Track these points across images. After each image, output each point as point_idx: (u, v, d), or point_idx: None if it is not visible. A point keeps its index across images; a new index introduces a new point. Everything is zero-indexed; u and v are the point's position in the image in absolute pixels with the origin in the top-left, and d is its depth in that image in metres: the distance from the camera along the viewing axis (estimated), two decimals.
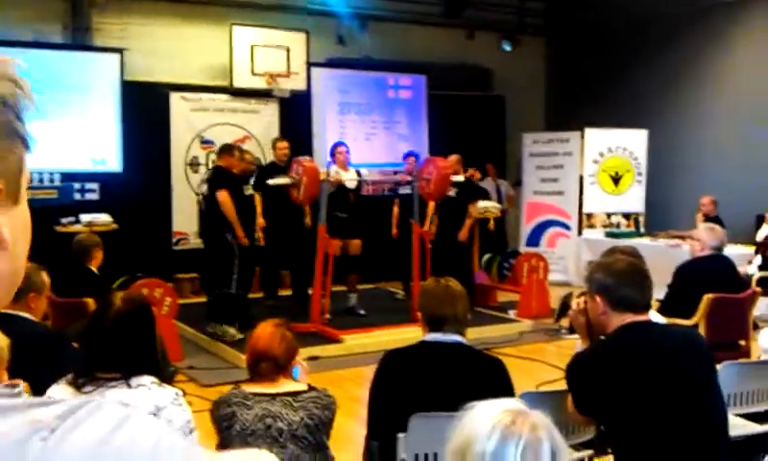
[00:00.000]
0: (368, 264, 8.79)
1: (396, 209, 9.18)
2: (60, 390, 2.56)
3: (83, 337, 2.81)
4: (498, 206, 10.12)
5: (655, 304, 3.87)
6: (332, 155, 8.33)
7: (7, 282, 0.76)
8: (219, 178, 7.39)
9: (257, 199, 8.45)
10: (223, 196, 7.20)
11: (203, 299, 8.41)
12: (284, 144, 8.81)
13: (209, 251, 7.58)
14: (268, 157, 10.45)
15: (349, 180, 8.13)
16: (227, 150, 7.78)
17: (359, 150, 11.48)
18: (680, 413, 2.67)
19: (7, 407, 0.66)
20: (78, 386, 2.53)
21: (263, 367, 2.98)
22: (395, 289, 9.76)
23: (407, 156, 9.41)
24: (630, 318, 2.82)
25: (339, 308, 8.18)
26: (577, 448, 3.22)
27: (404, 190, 9.06)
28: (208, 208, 7.38)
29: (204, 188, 7.49)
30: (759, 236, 9.01)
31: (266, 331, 3.05)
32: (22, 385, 0.74)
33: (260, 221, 8.44)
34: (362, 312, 8.27)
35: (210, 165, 10.17)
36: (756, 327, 6.05)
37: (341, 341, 7.33)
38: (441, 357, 3.11)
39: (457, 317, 3.13)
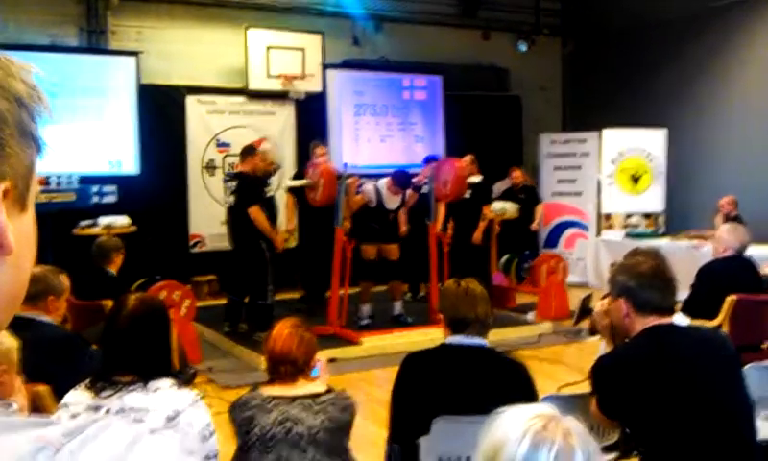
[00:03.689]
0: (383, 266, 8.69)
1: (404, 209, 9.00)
2: (78, 394, 2.55)
3: (101, 340, 2.80)
4: (516, 206, 10.07)
5: (677, 306, 3.82)
6: (406, 183, 7.94)
7: (8, 294, 0.71)
8: (247, 191, 7.38)
9: (290, 201, 8.44)
10: (255, 212, 7.22)
11: (221, 301, 8.42)
12: (324, 149, 8.60)
13: (240, 257, 7.57)
14: (285, 159, 10.49)
15: (393, 203, 7.92)
16: (249, 151, 7.73)
17: (375, 152, 11.49)
18: (706, 416, 2.64)
19: (4, 425, 0.63)
20: (96, 390, 2.51)
21: (282, 370, 2.96)
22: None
23: (429, 160, 9.10)
24: (653, 321, 2.79)
25: (382, 315, 7.96)
26: (602, 451, 3.18)
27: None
28: (239, 219, 7.38)
29: (232, 199, 7.50)
30: None
31: (283, 333, 3.02)
32: (16, 405, 0.71)
33: (291, 224, 8.46)
34: (409, 320, 7.98)
35: (227, 169, 10.22)
36: None
37: (359, 343, 7.31)
38: (463, 360, 3.08)
39: (479, 319, 3.11)
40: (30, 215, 0.72)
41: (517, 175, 10.47)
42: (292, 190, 8.39)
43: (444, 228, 8.62)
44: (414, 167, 9.53)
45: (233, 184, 7.65)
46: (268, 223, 7.34)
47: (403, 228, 8.57)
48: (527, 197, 10.35)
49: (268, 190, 7.89)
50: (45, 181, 8.68)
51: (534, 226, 10.29)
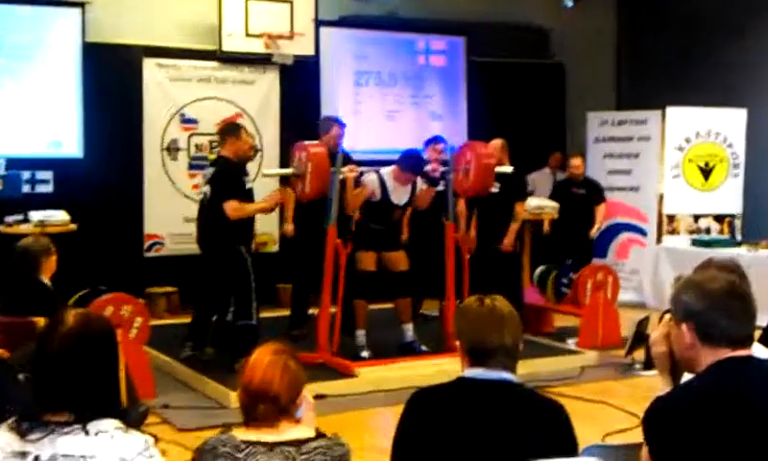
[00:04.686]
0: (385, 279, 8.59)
1: (408, 210, 8.54)
2: (1, 436, 2.56)
3: (30, 367, 2.81)
4: (556, 205, 10.08)
5: (756, 334, 3.82)
6: (418, 166, 7.85)
7: None
8: (223, 181, 7.36)
9: (290, 195, 8.28)
10: (232, 209, 7.23)
11: (182, 319, 8.43)
12: (339, 129, 8.55)
13: (212, 264, 7.59)
14: (265, 139, 10.51)
15: (402, 197, 7.93)
16: (232, 131, 7.72)
17: (379, 131, 11.50)
18: None
19: None
20: (22, 432, 2.52)
21: (261, 409, 2.96)
22: (427, 311, 9.58)
23: (431, 142, 8.90)
24: (726, 353, 2.78)
25: (389, 341, 7.96)
26: None
27: None
28: (214, 215, 7.35)
29: (207, 189, 7.44)
30: None
31: (263, 362, 3.02)
32: None
33: (290, 225, 8.57)
34: (423, 348, 7.90)
35: (193, 151, 10.26)
36: None
37: (354, 375, 7.33)
38: (485, 399, 3.09)
39: (505, 347, 3.10)
40: None
41: (577, 164, 10.49)
42: (285, 180, 8.34)
43: (465, 229, 8.61)
44: None
45: (210, 171, 7.61)
46: (248, 209, 7.38)
47: (404, 234, 8.53)
48: (588, 193, 10.34)
49: (247, 180, 7.76)
50: None
51: (593, 232, 10.30)
